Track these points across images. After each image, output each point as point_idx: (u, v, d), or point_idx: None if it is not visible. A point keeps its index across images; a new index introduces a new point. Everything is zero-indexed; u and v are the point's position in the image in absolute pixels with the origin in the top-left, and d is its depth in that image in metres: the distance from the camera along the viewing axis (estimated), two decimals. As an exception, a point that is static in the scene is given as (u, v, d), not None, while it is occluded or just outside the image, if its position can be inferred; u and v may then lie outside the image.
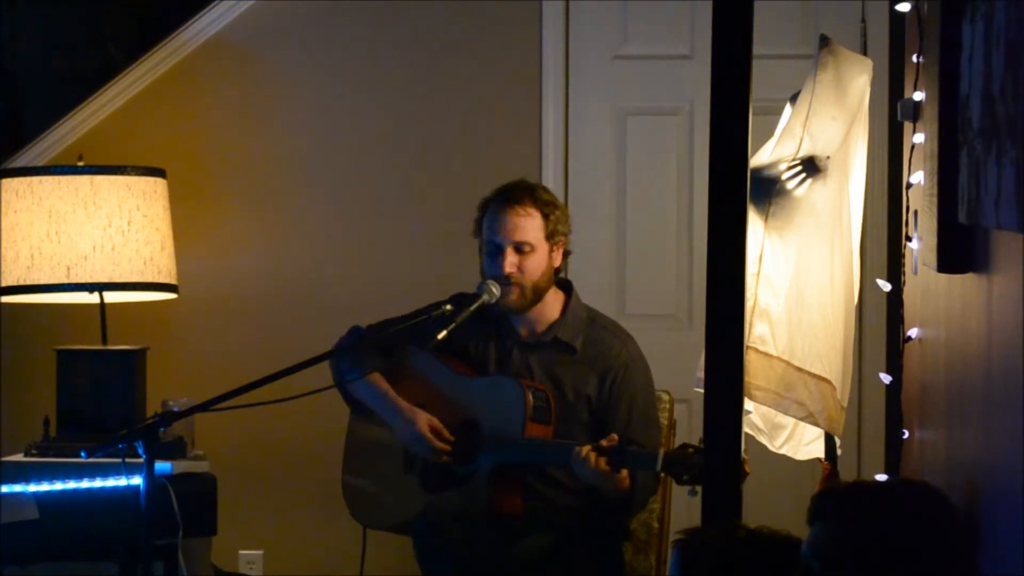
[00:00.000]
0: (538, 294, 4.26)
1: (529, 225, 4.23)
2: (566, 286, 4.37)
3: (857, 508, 2.81)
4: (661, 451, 3.99)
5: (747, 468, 3.59)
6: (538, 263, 4.24)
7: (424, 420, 4.24)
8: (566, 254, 4.34)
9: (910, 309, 3.93)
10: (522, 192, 4.27)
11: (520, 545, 4.16)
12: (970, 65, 2.84)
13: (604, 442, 4.02)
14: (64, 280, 4.93)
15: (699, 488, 3.65)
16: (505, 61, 5.47)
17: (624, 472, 4.03)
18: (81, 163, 5.09)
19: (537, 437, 4.16)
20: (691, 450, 3.90)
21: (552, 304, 4.31)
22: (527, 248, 4.22)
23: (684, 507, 4.40)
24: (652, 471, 4.01)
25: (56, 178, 4.96)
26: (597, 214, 5.43)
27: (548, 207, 4.26)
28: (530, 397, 4.16)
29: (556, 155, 5.45)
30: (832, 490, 3.07)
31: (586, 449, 4.02)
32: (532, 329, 4.30)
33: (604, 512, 4.19)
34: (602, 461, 3.99)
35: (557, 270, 4.32)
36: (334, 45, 5.51)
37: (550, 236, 4.26)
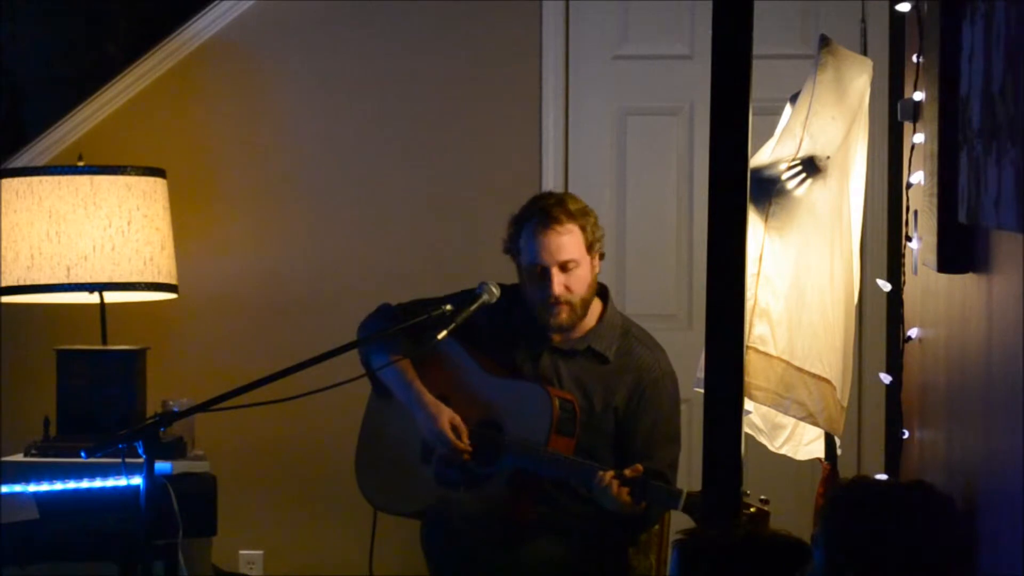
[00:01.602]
0: (586, 307, 4.21)
1: (571, 242, 4.16)
2: (602, 292, 4.30)
3: (861, 508, 2.81)
4: (684, 491, 3.93)
5: (767, 509, 3.60)
6: (583, 276, 4.18)
7: (447, 418, 4.18)
8: (600, 257, 4.27)
9: (910, 309, 3.93)
10: (557, 208, 4.18)
11: (528, 548, 4.14)
12: (970, 65, 2.84)
13: (628, 472, 3.96)
14: (64, 280, 4.92)
15: None
16: (505, 61, 5.47)
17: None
18: (81, 163, 5.09)
19: (560, 452, 4.10)
20: None
21: (589, 311, 4.25)
22: (572, 265, 4.16)
23: (684, 507, 4.39)
24: (670, 505, 3.96)
25: (56, 178, 4.96)
26: (597, 214, 5.42)
27: (583, 218, 4.20)
28: (557, 408, 4.11)
29: (556, 155, 5.45)
30: (838, 490, 3.07)
31: (609, 475, 3.97)
32: (566, 335, 4.24)
33: (615, 526, 4.16)
34: (624, 491, 3.95)
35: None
36: (334, 45, 5.51)
37: (590, 247, 4.20)
